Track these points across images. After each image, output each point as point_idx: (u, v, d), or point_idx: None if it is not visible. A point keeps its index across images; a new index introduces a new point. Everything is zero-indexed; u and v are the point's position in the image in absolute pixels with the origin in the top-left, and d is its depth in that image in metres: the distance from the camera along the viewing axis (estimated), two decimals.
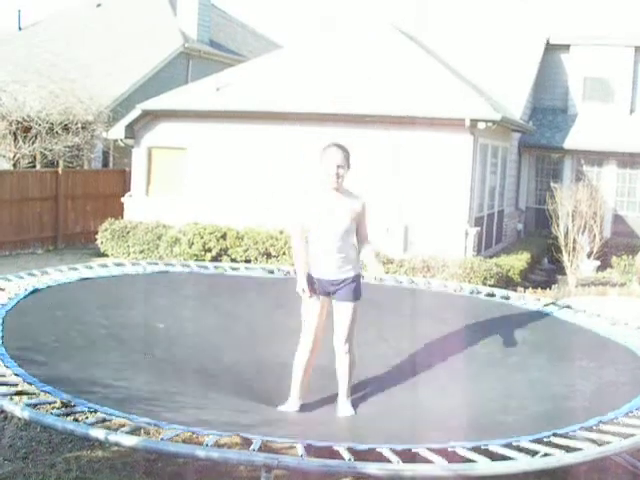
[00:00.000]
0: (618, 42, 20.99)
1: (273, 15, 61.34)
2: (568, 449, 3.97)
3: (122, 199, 17.76)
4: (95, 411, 4.30)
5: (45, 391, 4.56)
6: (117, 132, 17.71)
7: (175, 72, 23.00)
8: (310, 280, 5.82)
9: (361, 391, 5.98)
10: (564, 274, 16.17)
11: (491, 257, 15.42)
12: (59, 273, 7.96)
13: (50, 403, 4.61)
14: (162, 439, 4.01)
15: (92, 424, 4.13)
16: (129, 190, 17.88)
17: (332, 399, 5.89)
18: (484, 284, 12.76)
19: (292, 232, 6.10)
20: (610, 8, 22.45)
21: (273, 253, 15.05)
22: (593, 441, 4.18)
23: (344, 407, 5.88)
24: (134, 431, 4.18)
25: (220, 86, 16.93)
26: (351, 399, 5.92)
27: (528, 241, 18.97)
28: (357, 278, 5.90)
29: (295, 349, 5.91)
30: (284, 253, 14.90)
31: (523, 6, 23.70)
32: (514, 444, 4.08)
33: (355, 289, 5.87)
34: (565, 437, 4.19)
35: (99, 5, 28.65)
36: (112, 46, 24.56)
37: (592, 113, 21.00)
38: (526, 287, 14.50)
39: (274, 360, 6.44)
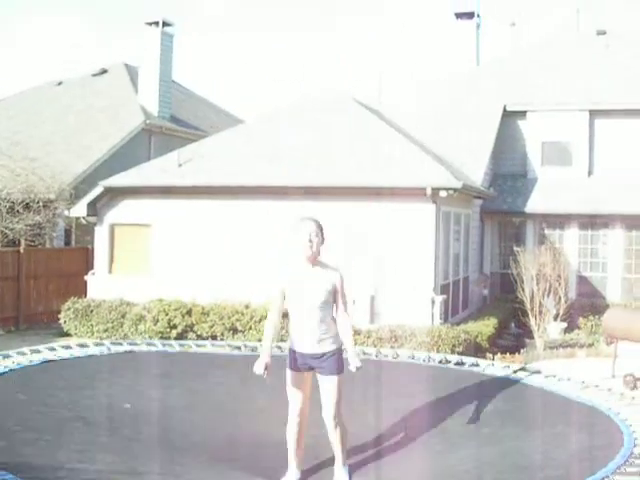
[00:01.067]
0: (573, 107, 21.46)
1: (234, 90, 62.05)
2: None
3: (85, 277, 17.57)
4: None
5: None
6: (79, 210, 17.61)
7: (137, 148, 23.04)
8: (291, 355, 5.92)
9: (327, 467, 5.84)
10: (532, 337, 16.20)
11: (458, 324, 15.41)
12: (21, 356, 7.78)
13: None
14: None
15: None
16: (92, 268, 17.70)
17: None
18: (452, 352, 12.72)
19: (271, 303, 6.15)
20: (564, 74, 23.03)
21: (239, 328, 14.90)
22: None
23: (340, 475, 5.93)
24: None
25: (182, 162, 16.98)
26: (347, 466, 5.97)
27: (494, 306, 18.99)
28: (338, 351, 5.93)
29: (265, 426, 5.82)
30: (250, 328, 14.77)
31: (479, 74, 24.25)
32: None
33: (337, 362, 5.90)
34: None
35: (60, 83, 28.82)
36: (73, 123, 24.62)
37: (551, 177, 21.32)
38: (495, 353, 14.47)
39: (245, 437, 6.29)
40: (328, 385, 5.86)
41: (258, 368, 5.67)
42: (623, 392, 6.76)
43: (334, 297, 5.96)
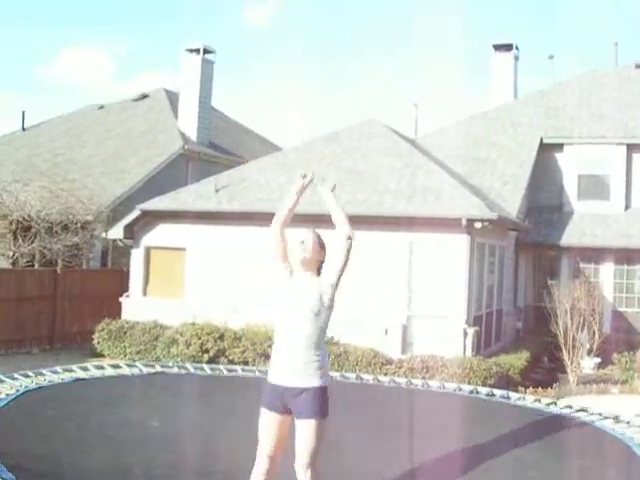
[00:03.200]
0: (610, 140, 21.37)
1: (271, 118, 62.54)
2: None
3: (120, 299, 17.74)
4: None
5: None
6: (116, 232, 17.85)
7: (175, 173, 23.30)
8: (266, 391, 5.11)
9: None
10: (565, 372, 16.03)
11: (490, 356, 15.31)
12: (54, 375, 7.88)
13: None
14: None
15: None
16: (127, 290, 17.88)
17: None
18: (484, 384, 12.63)
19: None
20: (601, 107, 22.96)
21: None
22: None
23: None
24: None
25: (219, 187, 17.15)
26: None
27: (527, 339, 18.84)
28: (322, 390, 5.01)
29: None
30: None
31: (517, 107, 24.24)
32: None
33: (320, 403, 4.97)
34: None
35: (102, 107, 29.33)
36: (113, 147, 25.00)
37: (587, 210, 21.20)
38: (527, 386, 14.33)
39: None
40: (303, 428, 4.94)
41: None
42: None
43: (328, 298, 5.22)
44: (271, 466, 5.05)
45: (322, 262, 5.41)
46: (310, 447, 4.90)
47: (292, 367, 4.98)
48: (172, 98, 27.27)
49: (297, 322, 5.07)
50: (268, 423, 5.02)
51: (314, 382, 4.96)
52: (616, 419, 6.89)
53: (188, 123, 25.27)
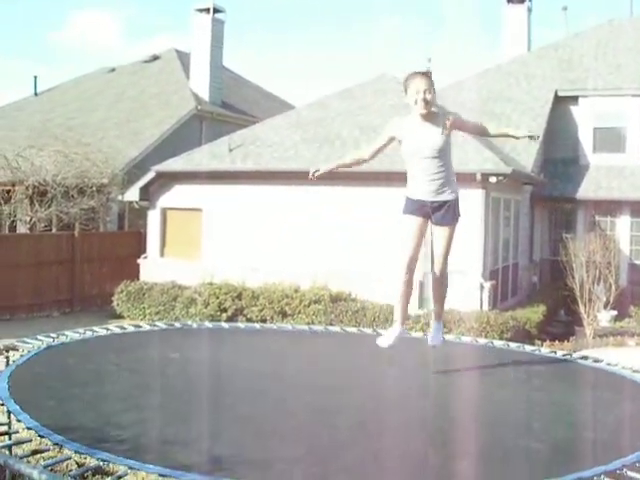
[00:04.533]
0: (626, 92, 21.15)
1: (285, 76, 62.23)
2: None
3: (138, 260, 17.88)
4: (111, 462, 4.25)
5: (58, 443, 4.50)
6: (132, 194, 17.93)
7: (188, 134, 23.30)
8: (408, 203, 5.83)
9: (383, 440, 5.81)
10: (581, 325, 16.09)
11: (507, 310, 15.36)
12: (76, 334, 7.99)
13: (65, 460, 4.59)
14: None
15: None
16: (144, 252, 18.02)
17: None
18: (501, 338, 12.71)
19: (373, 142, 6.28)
20: (616, 58, 22.70)
21: (289, 312, 15.05)
22: None
23: (436, 332, 6.36)
24: None
25: (233, 147, 17.16)
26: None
27: (544, 293, 18.86)
28: (456, 201, 5.88)
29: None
30: (299, 312, 14.91)
31: (531, 59, 24.01)
32: None
33: (454, 212, 5.88)
34: None
35: (113, 70, 29.28)
36: (126, 109, 25.00)
37: (603, 163, 21.07)
38: (543, 340, 14.42)
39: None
40: (443, 233, 5.91)
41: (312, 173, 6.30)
42: None
43: (463, 128, 6.12)
44: (410, 264, 5.87)
45: None
46: (447, 246, 5.97)
47: (431, 187, 5.75)
48: (183, 59, 27.16)
49: (430, 151, 5.70)
50: (412, 224, 5.81)
51: (450, 196, 5.81)
52: (635, 370, 6.92)
53: (200, 83, 25.20)
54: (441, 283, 6.19)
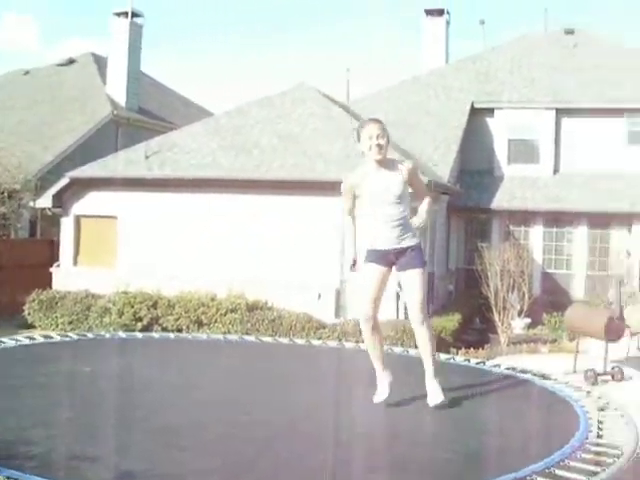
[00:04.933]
0: (540, 105, 21.67)
1: (203, 83, 61.77)
2: None
3: (50, 269, 17.45)
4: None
5: None
6: (45, 201, 17.49)
7: (104, 140, 22.89)
8: (370, 253, 5.74)
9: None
10: (496, 333, 16.33)
11: None
12: None
13: None
14: None
15: None
16: (57, 260, 17.59)
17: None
18: (417, 346, 12.78)
19: (343, 205, 6.10)
20: (531, 72, 23.25)
21: (205, 321, 14.88)
22: None
23: (434, 392, 5.79)
24: None
25: (149, 154, 16.91)
26: None
27: (459, 301, 19.12)
28: (418, 246, 5.79)
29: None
30: (216, 321, 14.76)
31: (448, 72, 24.39)
32: None
33: (420, 255, 5.78)
34: None
35: (27, 73, 28.55)
36: (40, 114, 24.43)
37: (517, 174, 21.52)
38: (459, 347, 14.58)
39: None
40: (412, 276, 5.69)
41: (351, 267, 5.84)
42: (581, 386, 6.86)
43: (411, 186, 5.82)
44: (375, 323, 5.78)
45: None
46: (419, 290, 5.69)
47: (393, 235, 5.69)
48: (100, 63, 26.69)
49: (389, 198, 5.72)
50: (373, 272, 5.71)
51: (412, 241, 5.73)
52: (544, 376, 7.04)
53: (117, 88, 24.82)
54: (426, 334, 5.87)
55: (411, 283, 5.72)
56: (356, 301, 5.96)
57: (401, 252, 5.71)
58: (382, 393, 5.87)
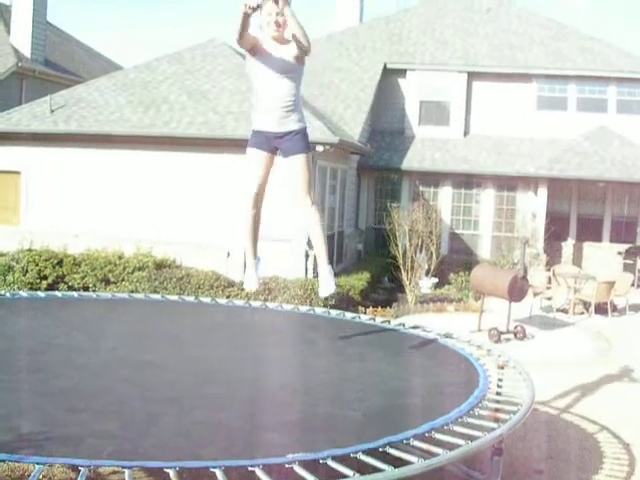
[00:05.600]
0: (452, 68, 21.87)
1: (113, 36, 60.22)
2: (400, 462, 4.02)
3: None
4: None
5: None
6: None
7: (8, 92, 22.09)
8: (254, 136, 5.71)
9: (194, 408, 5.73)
10: (404, 292, 16.58)
11: None
12: None
13: None
14: None
15: None
16: None
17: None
18: (325, 305, 12.88)
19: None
20: (445, 35, 23.40)
21: (112, 279, 14.66)
22: (424, 451, 4.28)
23: (325, 283, 5.87)
24: None
25: (54, 108, 16.42)
26: None
27: (368, 261, 19.31)
28: (303, 130, 5.68)
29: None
30: (123, 279, 14.55)
31: (362, 32, 24.34)
32: (352, 455, 4.07)
33: (304, 140, 5.67)
34: (397, 448, 4.24)
35: None
36: None
37: (428, 135, 21.75)
38: (367, 306, 14.75)
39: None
40: (295, 163, 5.63)
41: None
42: (484, 345, 7.03)
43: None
44: (257, 210, 5.80)
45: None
46: (304, 176, 5.66)
47: (276, 115, 5.61)
48: (3, 11, 25.63)
49: (277, 74, 5.62)
50: (257, 157, 5.69)
51: (296, 125, 5.64)
52: (447, 335, 7.19)
53: (21, 39, 23.87)
54: (315, 216, 5.82)
55: (296, 168, 5.69)
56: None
57: (284, 137, 5.64)
58: (249, 281, 6.07)
